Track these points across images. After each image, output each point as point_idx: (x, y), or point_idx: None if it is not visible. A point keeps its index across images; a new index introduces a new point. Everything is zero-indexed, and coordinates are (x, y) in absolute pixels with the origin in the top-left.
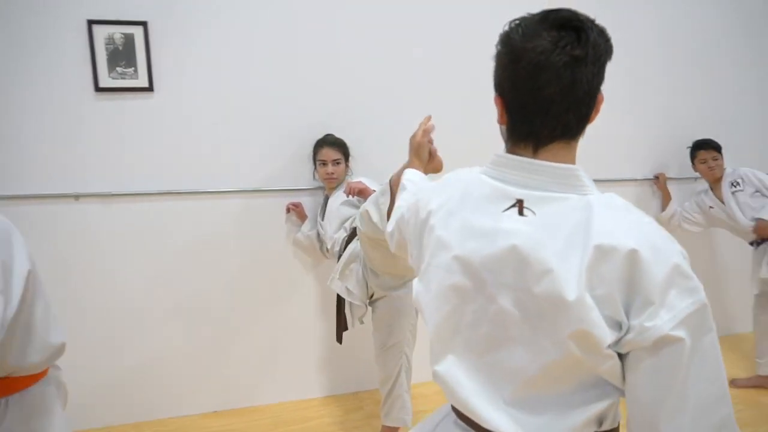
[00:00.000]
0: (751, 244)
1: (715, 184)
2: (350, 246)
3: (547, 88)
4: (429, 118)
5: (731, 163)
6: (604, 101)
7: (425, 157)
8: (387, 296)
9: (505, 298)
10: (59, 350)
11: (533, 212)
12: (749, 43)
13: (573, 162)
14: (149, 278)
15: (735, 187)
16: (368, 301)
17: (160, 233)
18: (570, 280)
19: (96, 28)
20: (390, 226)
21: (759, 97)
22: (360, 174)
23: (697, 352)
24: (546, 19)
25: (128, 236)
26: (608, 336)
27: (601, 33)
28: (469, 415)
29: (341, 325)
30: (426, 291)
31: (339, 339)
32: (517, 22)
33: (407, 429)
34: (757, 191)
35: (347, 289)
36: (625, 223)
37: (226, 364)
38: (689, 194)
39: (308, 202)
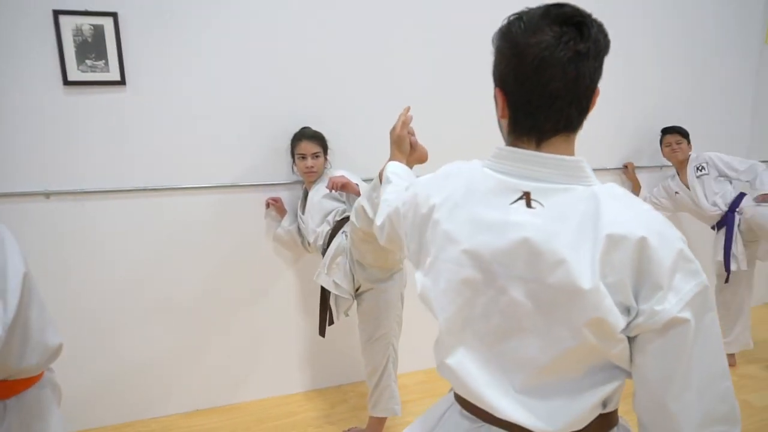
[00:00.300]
0: (713, 228)
1: (679, 167)
2: (335, 240)
3: (553, 83)
4: (408, 109)
5: (701, 149)
6: None
7: (407, 149)
8: (373, 288)
9: (516, 290)
10: (56, 352)
11: (541, 204)
12: (721, 35)
13: (573, 154)
14: (125, 278)
15: (700, 171)
16: (354, 293)
17: (135, 231)
18: (584, 270)
19: (63, 18)
20: (379, 220)
21: (728, 88)
22: (338, 166)
23: (701, 331)
24: (548, 14)
25: (101, 235)
26: (621, 322)
27: (601, 28)
28: (480, 405)
29: (325, 319)
30: (434, 285)
31: (322, 333)
32: (518, 16)
33: (396, 418)
34: (720, 175)
35: (335, 283)
36: (631, 212)
37: (206, 362)
38: (659, 182)
39: (287, 197)
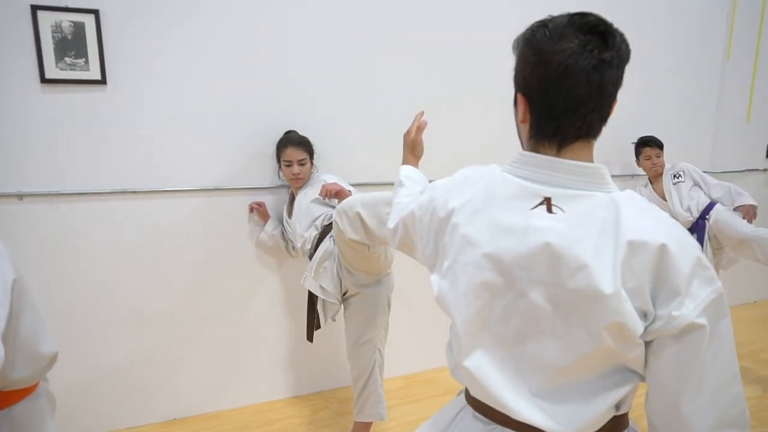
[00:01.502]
0: None
1: (655, 179)
2: (323, 244)
3: (577, 90)
4: (422, 113)
5: (667, 161)
6: None
7: (420, 153)
8: (360, 293)
9: (536, 293)
10: (51, 361)
11: (562, 210)
12: (686, 52)
13: (592, 160)
14: (101, 282)
15: (677, 178)
16: (341, 298)
17: (113, 235)
18: (605, 275)
19: (41, 14)
20: (392, 223)
21: (693, 102)
22: (324, 171)
23: (715, 336)
24: (572, 22)
25: (78, 239)
26: (640, 326)
27: (623, 38)
28: (497, 408)
29: (313, 324)
30: (452, 288)
31: (310, 338)
32: (542, 23)
33: (379, 424)
34: (695, 185)
35: (321, 287)
36: (650, 219)
37: (185, 369)
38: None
39: (270, 201)
